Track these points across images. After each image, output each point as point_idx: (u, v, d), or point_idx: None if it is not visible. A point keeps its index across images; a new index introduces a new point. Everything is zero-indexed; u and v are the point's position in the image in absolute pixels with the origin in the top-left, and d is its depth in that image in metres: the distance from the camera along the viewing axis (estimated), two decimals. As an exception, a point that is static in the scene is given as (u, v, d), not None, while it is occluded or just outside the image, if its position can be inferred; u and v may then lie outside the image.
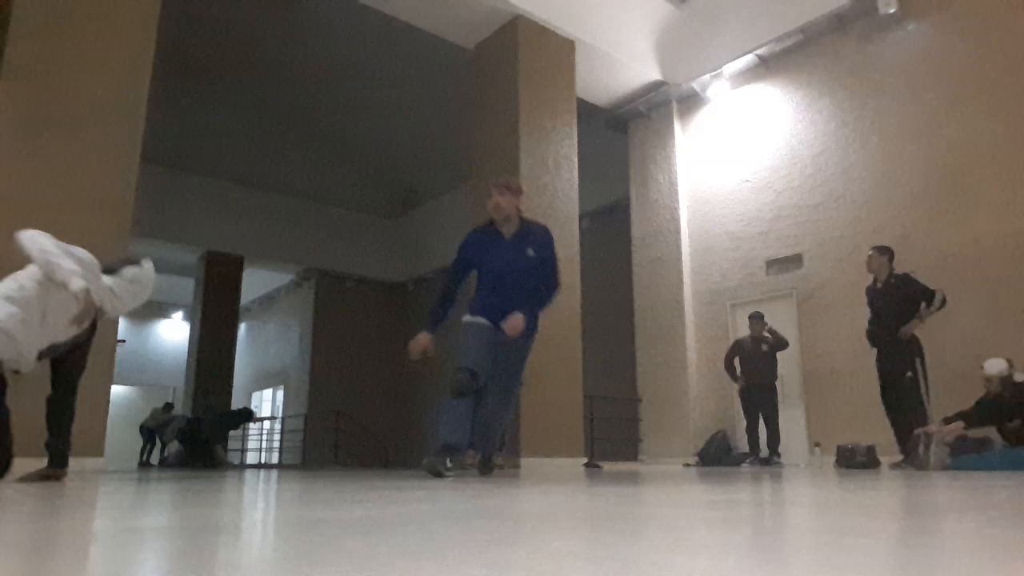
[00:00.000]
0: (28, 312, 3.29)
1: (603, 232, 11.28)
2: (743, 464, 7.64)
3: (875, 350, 6.32)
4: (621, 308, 10.33)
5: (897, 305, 6.12)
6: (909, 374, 5.93)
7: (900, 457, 5.98)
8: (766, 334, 7.78)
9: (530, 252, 4.29)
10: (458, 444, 4.05)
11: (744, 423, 7.92)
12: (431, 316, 4.31)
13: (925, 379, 5.94)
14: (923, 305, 6.02)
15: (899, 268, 6.38)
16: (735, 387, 7.97)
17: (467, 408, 4.05)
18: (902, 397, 5.96)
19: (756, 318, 7.87)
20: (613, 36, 9.45)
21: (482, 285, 4.39)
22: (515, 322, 4.11)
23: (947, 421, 5.61)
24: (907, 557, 0.93)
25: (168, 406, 14.75)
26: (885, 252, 6.38)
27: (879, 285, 6.34)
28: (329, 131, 14.11)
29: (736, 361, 7.88)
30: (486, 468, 4.52)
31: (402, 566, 0.81)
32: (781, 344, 7.74)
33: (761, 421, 7.67)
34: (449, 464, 4.18)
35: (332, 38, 11.41)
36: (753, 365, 7.73)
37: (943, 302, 5.98)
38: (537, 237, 4.36)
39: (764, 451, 7.61)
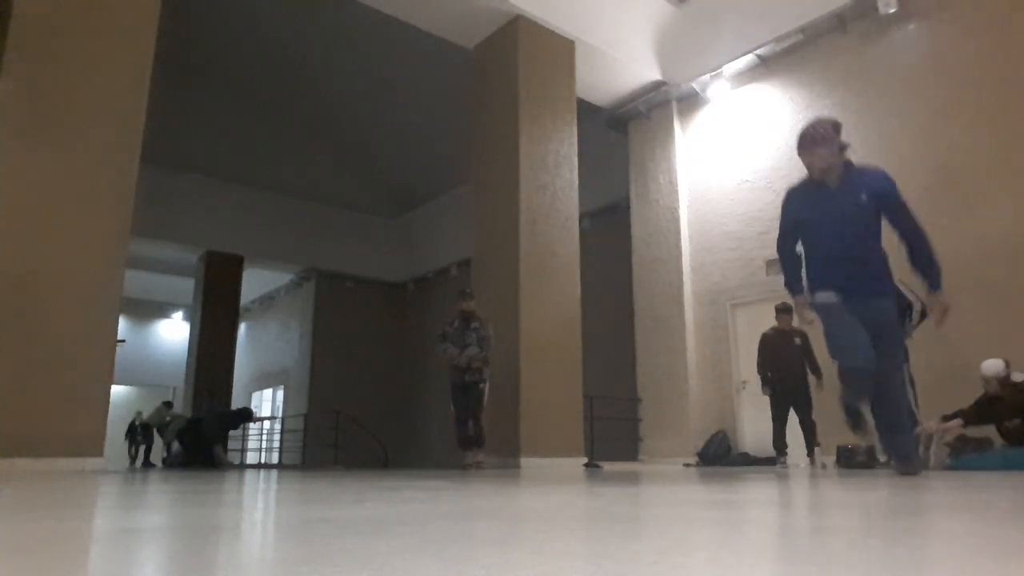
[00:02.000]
0: None
1: (603, 232, 11.27)
2: (777, 465, 7.13)
3: None
4: (621, 308, 10.32)
5: None
6: None
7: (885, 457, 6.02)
8: (796, 340, 7.13)
9: (863, 198, 3.94)
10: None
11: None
12: (791, 286, 4.05)
13: (912, 384, 5.96)
14: (907, 321, 6.02)
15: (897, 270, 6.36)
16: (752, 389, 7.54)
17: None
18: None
19: (784, 310, 7.16)
20: (613, 36, 9.45)
21: (815, 248, 4.00)
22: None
23: (945, 419, 5.62)
24: (907, 557, 0.93)
25: (167, 404, 14.75)
26: None
27: None
28: (329, 131, 14.11)
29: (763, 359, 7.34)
30: (910, 467, 3.87)
31: (402, 565, 0.81)
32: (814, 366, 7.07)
33: (771, 418, 7.29)
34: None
35: (332, 38, 11.42)
36: (782, 361, 7.13)
37: (922, 316, 5.96)
38: (868, 179, 4.01)
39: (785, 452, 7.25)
